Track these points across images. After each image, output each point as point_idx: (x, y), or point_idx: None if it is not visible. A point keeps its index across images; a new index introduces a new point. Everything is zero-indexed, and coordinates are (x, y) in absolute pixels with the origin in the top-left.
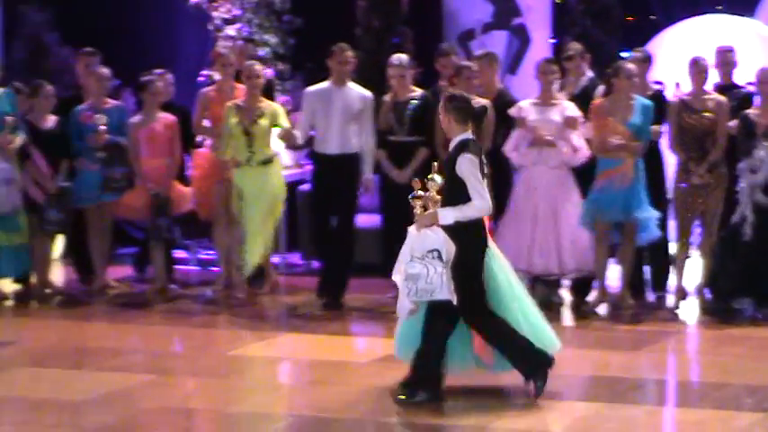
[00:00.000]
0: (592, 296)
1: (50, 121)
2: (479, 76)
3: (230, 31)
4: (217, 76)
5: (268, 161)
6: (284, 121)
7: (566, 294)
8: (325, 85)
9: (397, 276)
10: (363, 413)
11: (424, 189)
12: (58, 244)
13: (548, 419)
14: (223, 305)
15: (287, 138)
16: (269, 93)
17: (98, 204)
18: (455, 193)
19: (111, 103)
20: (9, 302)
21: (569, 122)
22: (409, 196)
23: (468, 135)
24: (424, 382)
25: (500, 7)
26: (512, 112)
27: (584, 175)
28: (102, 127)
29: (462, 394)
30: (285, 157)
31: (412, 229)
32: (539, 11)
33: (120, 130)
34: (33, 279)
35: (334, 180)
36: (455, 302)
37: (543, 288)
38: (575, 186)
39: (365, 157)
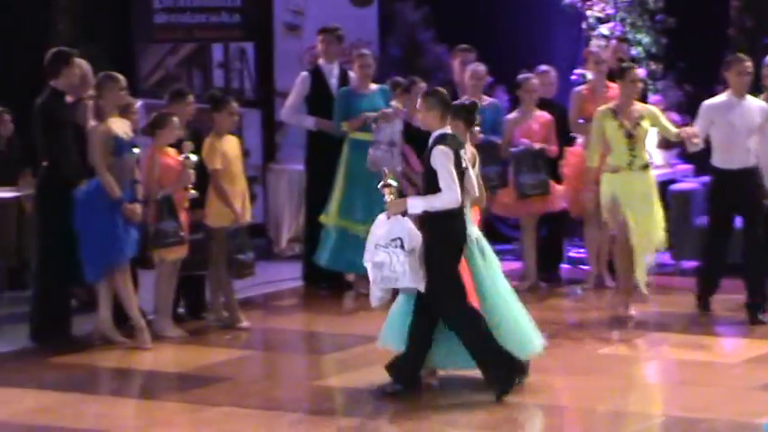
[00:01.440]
0: None
1: None
2: None
3: (603, 30)
4: (590, 74)
5: (647, 166)
6: (665, 123)
7: None
8: (723, 98)
9: (367, 264)
10: (732, 414)
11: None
12: None
13: None
14: (593, 304)
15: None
16: (642, 94)
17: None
18: (431, 184)
19: (488, 100)
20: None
21: None
22: (379, 185)
23: (447, 130)
24: (402, 376)
25: None
26: None
27: None
28: (476, 128)
29: None
30: (657, 156)
31: (381, 217)
32: None
33: (493, 128)
34: None
35: (737, 195)
36: (422, 290)
37: None
38: None
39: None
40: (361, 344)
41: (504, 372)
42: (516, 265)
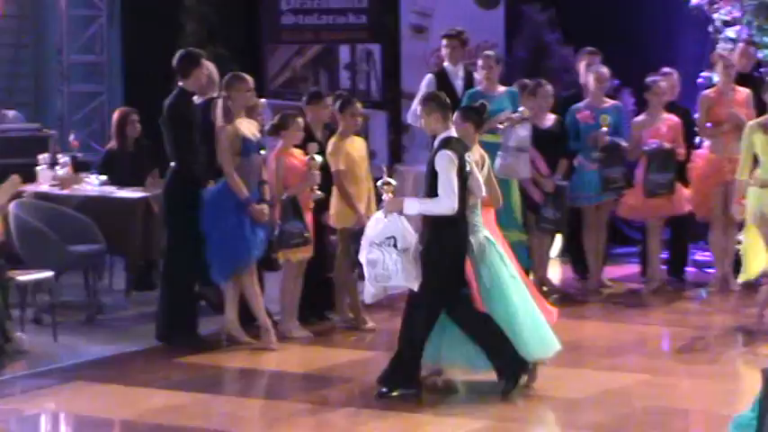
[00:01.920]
0: None
1: (549, 120)
2: None
3: (730, 33)
4: (717, 78)
5: None
6: None
7: None
8: None
9: (362, 261)
10: None
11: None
12: (556, 242)
13: None
14: (718, 307)
15: None
16: None
17: (596, 204)
18: (432, 186)
19: (610, 102)
20: None
21: None
22: (378, 183)
23: (452, 133)
24: (403, 378)
25: None
26: None
27: None
28: (605, 128)
29: None
30: None
31: (378, 214)
32: None
33: (617, 131)
34: (531, 276)
35: None
36: (415, 290)
37: None
38: None
39: None
40: None
41: (512, 361)
42: (638, 268)
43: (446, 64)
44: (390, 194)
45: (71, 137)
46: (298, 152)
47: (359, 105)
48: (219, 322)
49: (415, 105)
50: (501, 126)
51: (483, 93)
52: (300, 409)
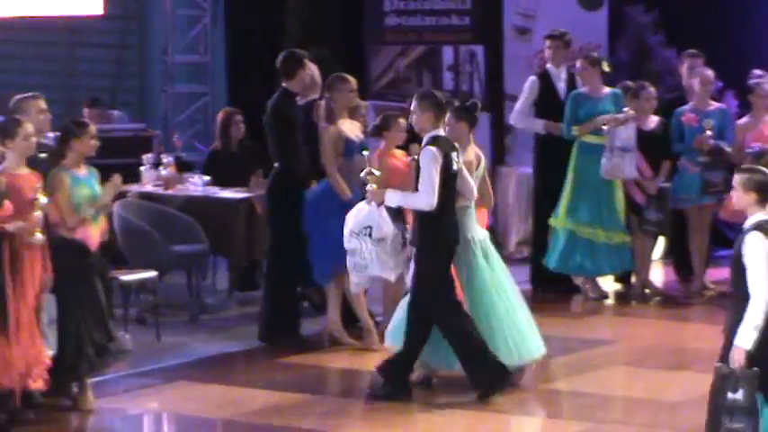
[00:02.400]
0: None
1: (653, 122)
2: None
3: None
4: None
5: None
6: None
7: None
8: None
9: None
10: None
11: None
12: (659, 244)
13: None
14: None
15: None
16: None
17: (698, 206)
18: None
19: (715, 105)
20: (609, 301)
21: None
22: (362, 174)
23: (439, 132)
24: (392, 377)
25: None
26: None
27: None
28: (709, 132)
29: None
30: None
31: (361, 204)
32: None
33: (721, 134)
34: (633, 278)
35: None
36: (391, 280)
37: None
38: None
39: None
40: (588, 348)
41: (487, 373)
42: None
43: (549, 66)
44: (374, 185)
45: (175, 137)
46: (400, 153)
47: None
48: (322, 323)
49: (519, 106)
50: (605, 127)
51: (586, 94)
52: (401, 409)
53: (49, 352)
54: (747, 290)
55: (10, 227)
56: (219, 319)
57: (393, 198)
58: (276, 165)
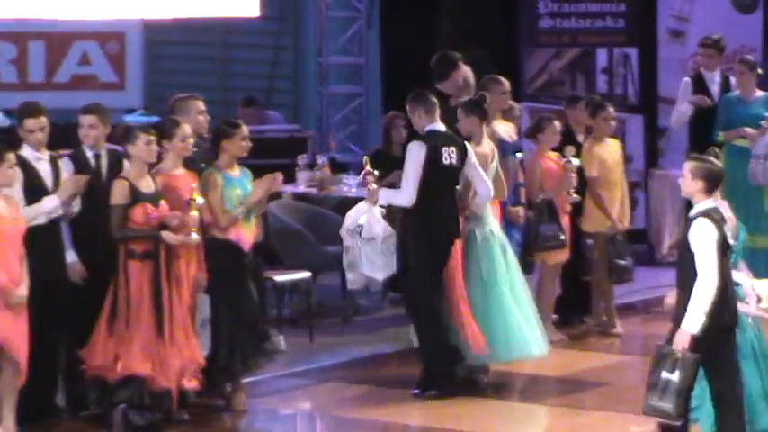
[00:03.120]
0: None
1: None
2: None
3: None
4: None
5: None
6: None
7: None
8: None
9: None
10: None
11: None
12: None
13: None
14: None
15: None
16: None
17: None
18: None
19: None
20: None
21: None
22: (362, 173)
23: (435, 126)
24: (433, 378)
25: None
26: None
27: None
28: None
29: None
30: None
31: (361, 204)
32: None
33: None
34: None
35: None
36: (380, 280)
37: None
38: None
39: None
40: None
41: (436, 368)
42: None
43: (702, 69)
44: (373, 185)
45: (329, 138)
46: (555, 155)
47: (611, 110)
48: None
49: (677, 108)
50: (752, 132)
51: (739, 98)
52: (555, 412)
53: (203, 352)
54: (694, 275)
55: (165, 235)
56: (373, 320)
57: (383, 196)
58: None
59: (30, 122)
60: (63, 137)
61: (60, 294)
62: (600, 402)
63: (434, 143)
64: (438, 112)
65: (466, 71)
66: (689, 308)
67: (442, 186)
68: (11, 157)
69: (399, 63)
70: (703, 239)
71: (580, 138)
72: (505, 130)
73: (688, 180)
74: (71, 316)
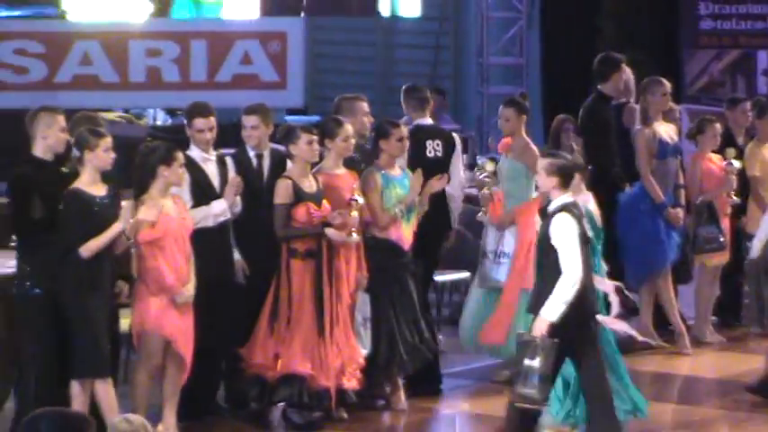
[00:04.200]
0: None
1: None
2: None
3: None
4: None
5: None
6: None
7: None
8: None
9: None
10: None
11: None
12: None
13: None
14: None
15: None
16: None
17: None
18: None
19: None
20: None
21: None
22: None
23: (422, 121)
24: None
25: None
26: None
27: None
28: None
29: None
30: None
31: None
32: None
33: None
34: None
35: None
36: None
37: None
38: None
39: None
40: None
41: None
42: None
43: None
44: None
45: (489, 139)
46: (716, 157)
47: None
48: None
49: None
50: None
51: None
52: (714, 414)
53: (363, 351)
54: (555, 268)
55: (330, 232)
56: None
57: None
58: (590, 167)
59: (199, 122)
60: (224, 136)
61: (226, 295)
62: (762, 405)
63: (420, 137)
64: (429, 107)
65: (627, 73)
66: (551, 297)
67: (427, 179)
68: (180, 156)
69: (560, 64)
70: (564, 233)
71: (740, 140)
72: (666, 131)
73: (543, 177)
74: (233, 315)
